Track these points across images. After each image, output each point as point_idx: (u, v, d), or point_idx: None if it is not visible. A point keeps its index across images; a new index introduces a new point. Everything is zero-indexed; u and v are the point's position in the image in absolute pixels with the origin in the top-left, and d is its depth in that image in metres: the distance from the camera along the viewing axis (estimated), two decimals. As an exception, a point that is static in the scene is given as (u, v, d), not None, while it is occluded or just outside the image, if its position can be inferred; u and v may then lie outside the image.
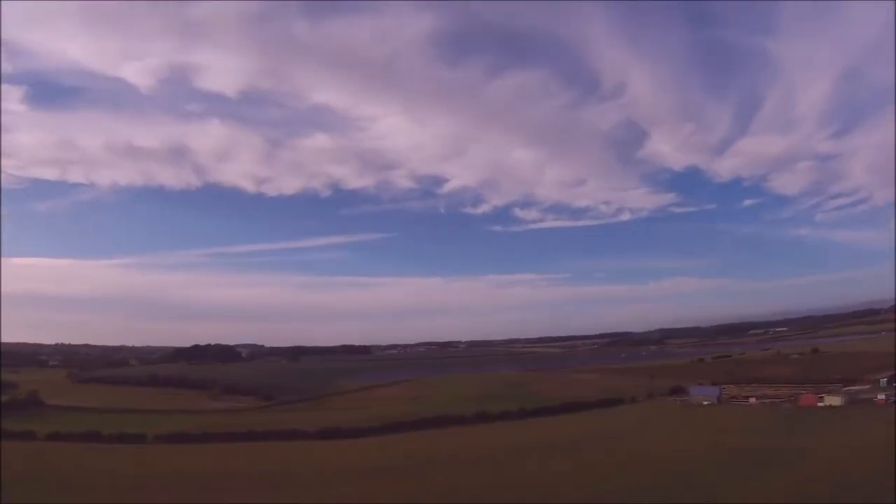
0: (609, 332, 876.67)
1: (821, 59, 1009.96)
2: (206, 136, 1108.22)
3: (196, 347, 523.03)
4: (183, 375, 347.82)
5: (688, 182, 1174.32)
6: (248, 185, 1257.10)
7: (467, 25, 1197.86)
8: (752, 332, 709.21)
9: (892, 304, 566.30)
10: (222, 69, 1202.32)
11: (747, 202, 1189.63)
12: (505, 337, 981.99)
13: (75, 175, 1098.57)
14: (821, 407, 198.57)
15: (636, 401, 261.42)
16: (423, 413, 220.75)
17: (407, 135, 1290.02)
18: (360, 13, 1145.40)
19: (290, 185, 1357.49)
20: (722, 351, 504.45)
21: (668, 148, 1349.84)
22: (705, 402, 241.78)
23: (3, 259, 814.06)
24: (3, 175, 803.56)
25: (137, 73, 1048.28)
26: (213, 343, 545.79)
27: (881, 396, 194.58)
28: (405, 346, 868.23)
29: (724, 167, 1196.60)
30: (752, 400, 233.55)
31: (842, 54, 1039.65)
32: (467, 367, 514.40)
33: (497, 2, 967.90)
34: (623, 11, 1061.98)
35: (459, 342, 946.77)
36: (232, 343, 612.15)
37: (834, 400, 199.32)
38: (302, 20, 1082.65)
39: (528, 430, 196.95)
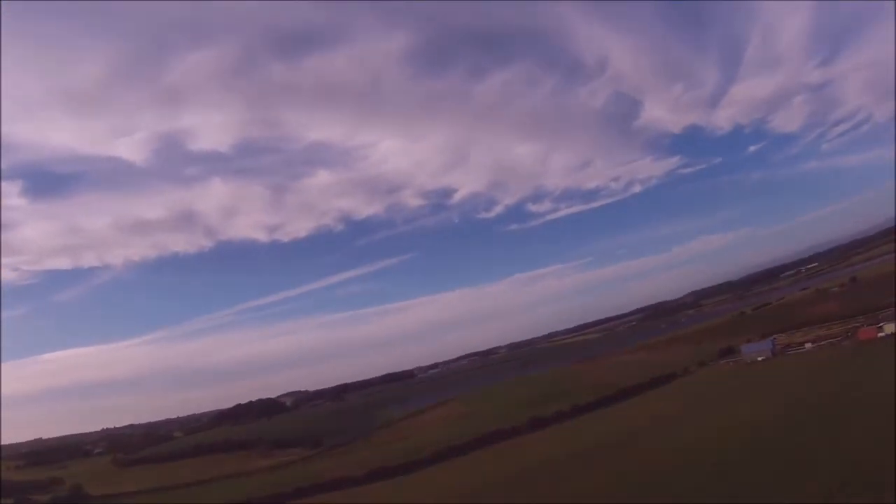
0: (643, 306, 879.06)
1: None
2: (210, 197, 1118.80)
3: (238, 407, 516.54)
4: (227, 439, 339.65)
5: (690, 141, 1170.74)
6: (261, 236, 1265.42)
7: (440, 35, 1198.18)
8: (784, 274, 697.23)
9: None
10: (212, 127, 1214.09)
11: (752, 148, 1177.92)
12: (544, 332, 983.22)
13: (88, 259, 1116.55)
14: (882, 337, 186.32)
15: (689, 372, 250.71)
16: (474, 431, 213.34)
17: (407, 154, 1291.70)
18: (332, 44, 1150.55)
19: (301, 227, 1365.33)
20: (760, 300, 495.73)
21: (663, 112, 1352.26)
22: (760, 358, 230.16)
23: (33, 357, 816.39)
24: (16, 272, 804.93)
25: (130, 148, 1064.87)
26: (255, 399, 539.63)
27: None
28: (447, 363, 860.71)
29: (722, 118, 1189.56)
30: (808, 345, 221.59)
31: None
32: (512, 372, 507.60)
33: (465, 5, 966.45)
34: None
35: (500, 347, 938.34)
36: (275, 395, 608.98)
37: (893, 327, 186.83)
38: (278, 63, 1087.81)
39: (583, 428, 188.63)
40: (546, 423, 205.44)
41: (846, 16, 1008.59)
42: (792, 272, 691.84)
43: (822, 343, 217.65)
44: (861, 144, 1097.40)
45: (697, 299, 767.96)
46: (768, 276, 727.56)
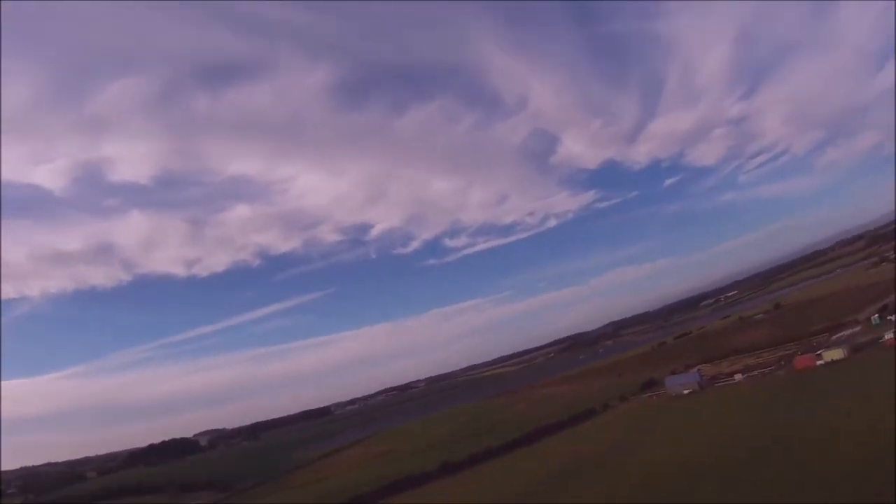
0: (562, 337, 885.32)
1: (712, 27, 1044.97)
2: (129, 229, 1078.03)
3: (152, 447, 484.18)
4: (139, 482, 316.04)
5: (606, 176, 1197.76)
6: (179, 270, 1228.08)
7: (363, 70, 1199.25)
8: (704, 303, 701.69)
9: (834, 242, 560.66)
10: (133, 158, 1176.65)
11: (668, 181, 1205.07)
12: (463, 366, 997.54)
13: (5, 291, 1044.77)
14: (822, 366, 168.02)
15: (610, 407, 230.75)
16: (385, 476, 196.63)
17: (325, 189, 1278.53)
18: (257, 76, 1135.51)
19: (219, 261, 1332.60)
20: (680, 329, 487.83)
21: (580, 148, 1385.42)
22: (686, 391, 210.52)
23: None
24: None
25: (49, 175, 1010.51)
26: (168, 439, 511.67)
27: (889, 336, 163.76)
28: (365, 398, 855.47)
29: (640, 153, 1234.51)
30: (738, 376, 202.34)
31: (733, 18, 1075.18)
32: (429, 408, 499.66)
33: (388, 40, 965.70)
34: (511, 26, 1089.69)
35: (419, 381, 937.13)
36: (191, 433, 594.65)
37: (835, 353, 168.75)
38: (202, 94, 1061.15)
39: (497, 473, 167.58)
40: (459, 468, 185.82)
41: (767, 48, 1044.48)
42: (711, 301, 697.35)
43: (754, 373, 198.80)
44: (780, 174, 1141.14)
45: (616, 329, 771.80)
46: (687, 305, 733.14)
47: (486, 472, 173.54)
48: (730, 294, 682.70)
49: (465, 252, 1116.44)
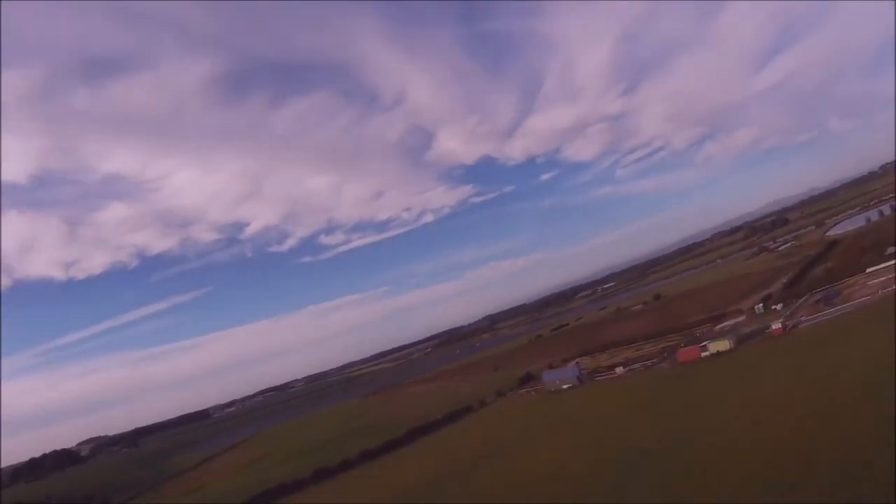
0: (438, 332, 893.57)
1: (596, 26, 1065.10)
2: (5, 231, 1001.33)
3: (33, 462, 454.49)
4: (18, 500, 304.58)
5: (482, 171, 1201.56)
6: (57, 273, 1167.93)
7: (243, 64, 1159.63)
8: (580, 295, 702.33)
9: (712, 234, 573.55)
10: (10, 155, 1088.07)
11: (545, 176, 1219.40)
12: (340, 363, 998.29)
13: None
14: (707, 357, 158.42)
15: (486, 404, 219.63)
16: (259, 483, 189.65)
17: (201, 186, 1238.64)
18: (138, 70, 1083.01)
19: (97, 263, 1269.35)
20: (556, 321, 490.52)
21: (456, 143, 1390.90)
22: (565, 386, 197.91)
23: None
24: None
25: None
26: (49, 451, 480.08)
27: (776, 325, 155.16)
28: (244, 400, 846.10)
29: (516, 149, 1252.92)
30: (620, 369, 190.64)
31: (616, 17, 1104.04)
32: (307, 407, 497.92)
33: (268, 35, 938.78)
34: (392, 22, 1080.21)
35: (297, 380, 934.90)
36: (73, 444, 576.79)
37: (721, 345, 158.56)
38: (83, 88, 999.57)
39: (372, 478, 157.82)
40: (332, 474, 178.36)
41: (649, 47, 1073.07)
42: (588, 292, 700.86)
43: (636, 366, 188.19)
44: (657, 170, 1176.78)
45: (492, 323, 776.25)
46: (563, 297, 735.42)
47: (361, 477, 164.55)
48: (607, 286, 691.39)
49: (341, 249, 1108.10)
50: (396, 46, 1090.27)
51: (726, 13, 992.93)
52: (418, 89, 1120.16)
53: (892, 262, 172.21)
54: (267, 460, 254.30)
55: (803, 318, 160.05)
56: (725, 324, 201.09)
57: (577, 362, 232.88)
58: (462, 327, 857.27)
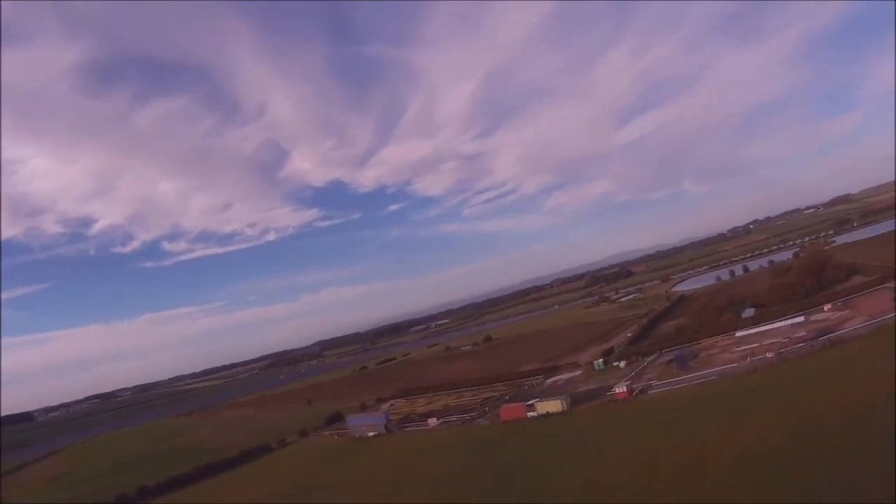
0: (269, 353, 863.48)
1: (464, 65, 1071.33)
2: None
3: None
4: None
5: (331, 196, 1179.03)
6: None
7: (115, 53, 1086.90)
8: (413, 328, 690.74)
9: (553, 280, 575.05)
10: None
11: (392, 207, 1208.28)
12: (171, 375, 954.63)
13: None
14: (535, 418, 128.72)
15: (287, 443, 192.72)
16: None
17: (55, 175, 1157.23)
18: (12, 42, 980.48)
19: None
20: (385, 353, 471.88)
21: (309, 165, 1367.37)
22: (371, 434, 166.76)
23: None
24: None
25: None
26: None
27: (621, 388, 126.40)
28: (69, 405, 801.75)
29: (368, 177, 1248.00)
30: (433, 421, 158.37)
31: (485, 59, 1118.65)
32: (127, 420, 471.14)
33: (143, 28, 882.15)
34: (265, 34, 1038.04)
35: (126, 389, 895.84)
36: None
37: (552, 405, 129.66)
38: None
39: None
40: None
41: (511, 93, 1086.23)
42: (422, 327, 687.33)
43: (452, 418, 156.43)
44: (505, 212, 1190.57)
45: (323, 349, 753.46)
46: (397, 329, 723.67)
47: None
48: (441, 322, 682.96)
49: (183, 258, 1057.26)
50: (264, 58, 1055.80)
51: (596, 68, 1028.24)
52: (280, 105, 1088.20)
53: (766, 326, 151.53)
54: (72, 477, 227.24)
55: (653, 382, 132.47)
56: (559, 377, 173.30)
57: (390, 405, 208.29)
58: (293, 350, 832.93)
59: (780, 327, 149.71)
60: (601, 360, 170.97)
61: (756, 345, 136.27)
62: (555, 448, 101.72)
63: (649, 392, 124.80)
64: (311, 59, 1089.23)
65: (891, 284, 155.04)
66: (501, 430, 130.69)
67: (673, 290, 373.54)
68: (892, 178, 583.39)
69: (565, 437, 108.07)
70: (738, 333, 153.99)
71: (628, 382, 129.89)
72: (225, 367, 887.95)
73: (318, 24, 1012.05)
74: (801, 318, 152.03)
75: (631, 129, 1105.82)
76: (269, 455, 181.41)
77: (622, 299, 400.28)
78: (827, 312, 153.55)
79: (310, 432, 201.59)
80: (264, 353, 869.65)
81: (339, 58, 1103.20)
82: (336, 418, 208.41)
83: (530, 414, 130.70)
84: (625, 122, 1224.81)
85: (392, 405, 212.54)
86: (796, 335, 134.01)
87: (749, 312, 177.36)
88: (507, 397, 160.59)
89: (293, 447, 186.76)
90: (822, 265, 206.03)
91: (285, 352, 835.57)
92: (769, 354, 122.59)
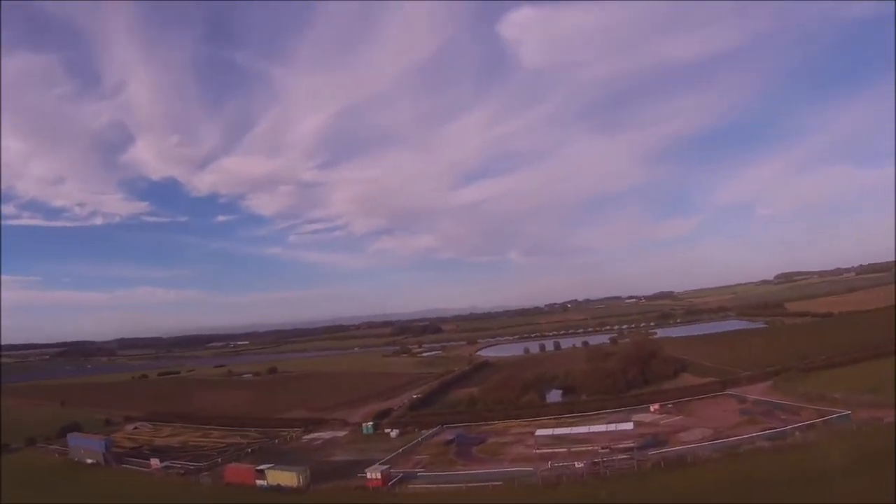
0: (68, 340, 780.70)
1: (324, 93, 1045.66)
2: None
3: None
4: None
5: (164, 192, 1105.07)
6: None
7: None
8: (211, 344, 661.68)
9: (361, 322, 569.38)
10: None
11: (221, 218, 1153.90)
12: None
13: None
14: (263, 490, 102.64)
15: (10, 449, 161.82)
16: None
17: None
18: None
19: None
20: (174, 365, 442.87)
21: (150, 156, 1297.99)
22: (90, 461, 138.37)
23: None
24: None
25: None
26: None
27: (375, 474, 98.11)
28: None
29: (204, 182, 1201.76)
30: (155, 462, 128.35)
31: (346, 92, 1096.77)
32: None
33: None
34: (143, 12, 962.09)
35: None
36: None
37: (286, 477, 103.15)
38: None
39: None
40: None
41: (362, 132, 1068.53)
42: (221, 344, 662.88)
43: (178, 466, 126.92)
44: (329, 246, 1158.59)
45: (120, 347, 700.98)
46: (195, 342, 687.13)
47: None
48: (240, 343, 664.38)
49: (9, 222, 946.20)
50: (137, 37, 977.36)
51: (448, 127, 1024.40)
52: (139, 88, 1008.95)
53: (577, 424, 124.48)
54: None
55: (420, 469, 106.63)
56: (319, 435, 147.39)
57: (133, 428, 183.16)
58: (92, 343, 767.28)
59: (594, 430, 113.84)
60: (371, 423, 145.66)
61: (563, 449, 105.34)
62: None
63: (409, 484, 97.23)
64: (181, 50, 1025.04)
65: (734, 392, 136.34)
66: (219, 493, 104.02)
67: (477, 353, 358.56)
68: (717, 285, 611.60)
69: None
70: (539, 432, 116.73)
71: (387, 466, 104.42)
72: (18, 347, 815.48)
73: (194, 19, 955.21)
74: (629, 424, 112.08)
75: (469, 191, 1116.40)
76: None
77: (424, 354, 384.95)
78: (654, 414, 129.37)
79: (38, 441, 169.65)
80: (64, 340, 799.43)
81: (207, 56, 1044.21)
82: (71, 428, 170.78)
83: (258, 482, 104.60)
84: (464, 184, 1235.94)
85: (136, 428, 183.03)
86: (617, 442, 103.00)
87: (555, 395, 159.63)
88: (250, 449, 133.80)
89: (12, 457, 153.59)
90: (649, 356, 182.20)
91: (84, 342, 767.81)
92: (578, 464, 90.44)
